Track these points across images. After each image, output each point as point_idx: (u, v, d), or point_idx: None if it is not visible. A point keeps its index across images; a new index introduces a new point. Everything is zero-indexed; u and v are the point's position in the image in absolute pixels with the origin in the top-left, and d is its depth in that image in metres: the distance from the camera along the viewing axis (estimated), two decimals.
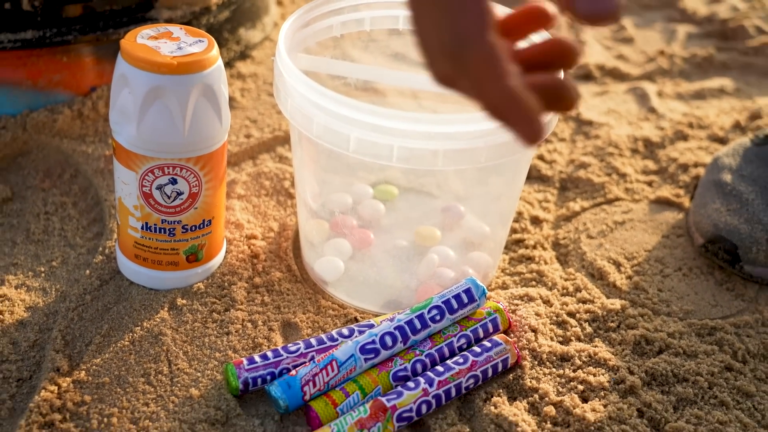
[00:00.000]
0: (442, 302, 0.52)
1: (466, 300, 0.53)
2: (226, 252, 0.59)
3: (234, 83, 0.76)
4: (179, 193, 0.53)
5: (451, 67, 0.36)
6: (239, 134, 0.70)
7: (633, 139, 0.74)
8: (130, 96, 0.51)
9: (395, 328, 0.51)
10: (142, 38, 0.52)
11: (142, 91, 0.50)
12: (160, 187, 0.53)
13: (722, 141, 0.74)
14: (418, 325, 0.51)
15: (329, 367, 0.49)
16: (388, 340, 0.50)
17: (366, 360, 0.50)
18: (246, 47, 0.78)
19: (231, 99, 0.74)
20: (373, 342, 0.50)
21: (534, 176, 0.70)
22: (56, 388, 0.49)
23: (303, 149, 0.56)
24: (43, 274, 0.57)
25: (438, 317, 0.52)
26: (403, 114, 0.48)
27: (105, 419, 0.48)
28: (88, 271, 0.57)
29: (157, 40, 0.52)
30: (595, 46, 0.89)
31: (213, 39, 0.52)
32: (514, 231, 0.64)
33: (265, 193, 0.65)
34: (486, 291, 0.54)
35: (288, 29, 0.55)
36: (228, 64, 0.77)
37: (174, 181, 0.53)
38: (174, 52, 0.51)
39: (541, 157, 0.71)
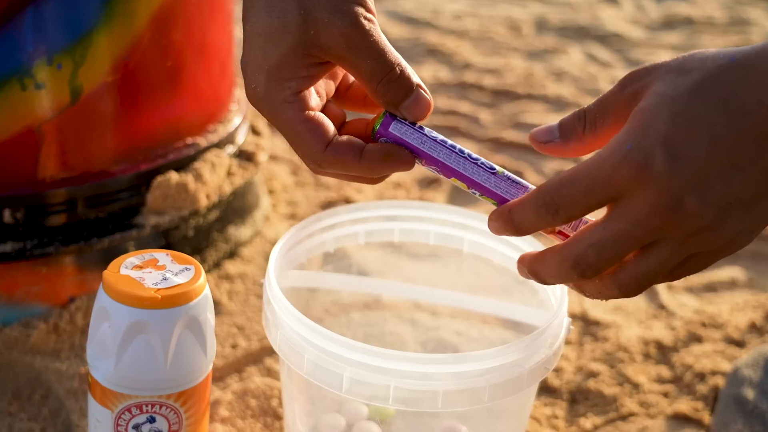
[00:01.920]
0: None
1: None
2: None
3: (221, 285, 0.76)
4: None
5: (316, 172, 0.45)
6: (225, 344, 0.69)
7: (644, 341, 0.73)
8: (110, 330, 0.50)
9: None
10: (126, 268, 0.52)
11: (124, 325, 0.50)
12: (136, 426, 0.51)
13: (739, 344, 0.73)
14: None
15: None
16: None
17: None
18: (235, 245, 0.79)
19: (218, 304, 0.73)
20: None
21: (541, 387, 0.68)
22: None
23: (293, 381, 0.55)
24: None
25: None
26: (399, 354, 0.48)
27: None
28: None
29: (141, 270, 0.52)
30: None
31: (200, 266, 0.52)
32: None
33: (251, 414, 0.63)
34: None
35: (279, 250, 0.55)
36: (216, 265, 0.77)
37: (152, 420, 0.51)
38: (159, 283, 0.51)
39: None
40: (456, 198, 0.92)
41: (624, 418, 0.66)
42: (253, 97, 0.44)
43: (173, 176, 0.70)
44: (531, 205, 0.40)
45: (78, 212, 0.67)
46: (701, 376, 0.69)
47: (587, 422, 0.65)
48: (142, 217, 0.70)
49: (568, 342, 0.73)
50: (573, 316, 0.76)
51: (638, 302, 0.80)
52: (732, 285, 0.83)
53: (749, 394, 0.62)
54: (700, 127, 0.38)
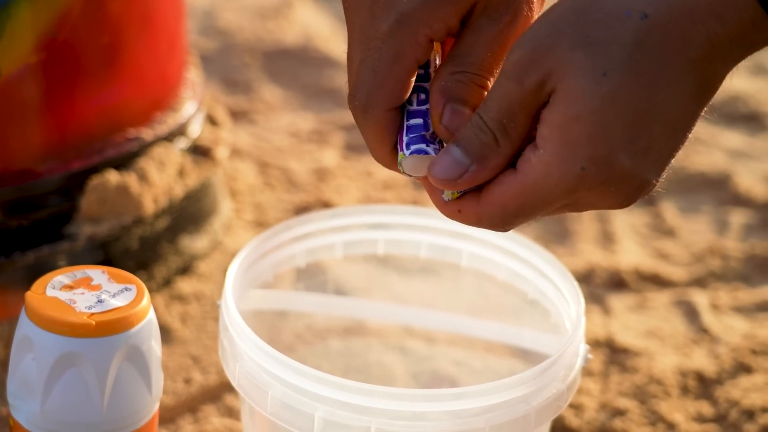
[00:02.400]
0: None
1: None
2: None
3: (173, 307, 0.76)
4: None
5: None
6: (176, 378, 0.70)
7: (681, 372, 0.74)
8: (35, 363, 0.51)
9: None
10: (54, 289, 0.53)
11: (51, 357, 0.51)
12: None
13: None
14: None
15: None
16: None
17: None
18: (190, 259, 0.80)
19: (169, 330, 0.74)
20: None
21: (556, 427, 0.70)
22: None
23: (255, 423, 0.56)
24: None
25: None
26: (382, 389, 0.49)
27: None
28: None
29: (72, 291, 0.53)
30: (627, 243, 0.91)
31: (142, 285, 0.53)
32: None
33: None
34: None
35: (238, 266, 0.56)
36: (166, 282, 0.78)
37: None
38: (93, 307, 0.51)
39: None
40: None
41: None
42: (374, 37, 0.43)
43: (112, 177, 0.71)
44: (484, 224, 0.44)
45: None
46: (750, 414, 0.71)
47: None
48: (75, 227, 0.71)
49: (590, 373, 0.75)
50: (597, 343, 0.78)
51: (676, 325, 0.81)
52: None
53: None
54: (645, 114, 0.41)
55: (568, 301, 0.57)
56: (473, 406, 0.49)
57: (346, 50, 0.45)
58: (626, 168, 0.41)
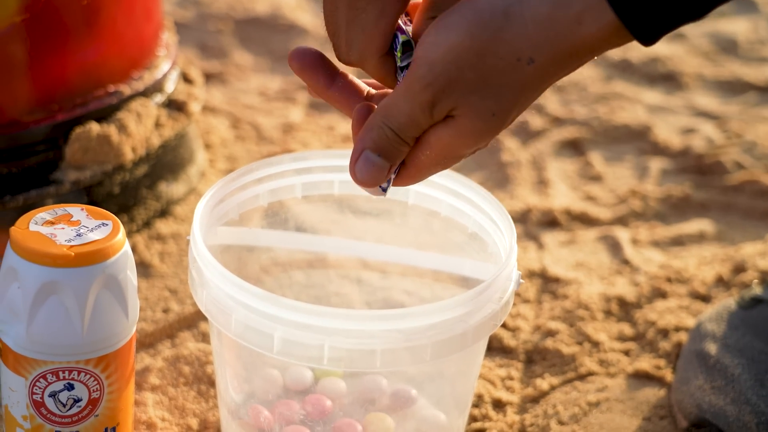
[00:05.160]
0: None
1: None
2: None
3: (152, 246, 0.75)
4: (76, 400, 0.51)
5: None
6: (156, 308, 0.69)
7: (606, 298, 0.74)
8: (20, 291, 0.49)
9: None
10: (36, 224, 0.51)
11: (34, 286, 0.49)
12: (53, 395, 0.51)
13: (705, 299, 0.75)
14: None
15: None
16: None
17: None
18: (167, 203, 0.78)
19: (148, 266, 0.73)
20: None
21: (495, 347, 0.69)
22: None
23: (223, 345, 0.55)
24: None
25: None
26: (333, 311, 0.48)
27: None
28: None
29: (53, 226, 0.51)
30: (559, 186, 0.90)
31: (118, 221, 0.52)
32: (473, 418, 0.63)
33: (184, 382, 0.63)
34: None
35: (205, 204, 0.55)
36: (146, 224, 0.76)
37: (70, 387, 0.51)
38: (72, 240, 0.50)
39: (503, 325, 0.71)
40: None
41: (582, 377, 0.67)
42: None
43: (94, 127, 0.69)
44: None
45: None
46: (664, 333, 0.70)
47: (544, 383, 0.66)
48: (61, 173, 0.69)
49: (526, 300, 0.74)
50: (531, 274, 0.77)
51: (601, 257, 0.80)
52: (700, 238, 0.84)
53: (711, 348, 0.64)
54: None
55: (503, 233, 0.56)
56: (417, 324, 0.48)
57: (322, 19, 0.47)
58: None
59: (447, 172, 0.59)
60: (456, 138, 0.45)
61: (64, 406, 0.51)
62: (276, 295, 0.48)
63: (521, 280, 0.54)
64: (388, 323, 0.48)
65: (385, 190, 0.48)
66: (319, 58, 0.48)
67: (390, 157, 0.46)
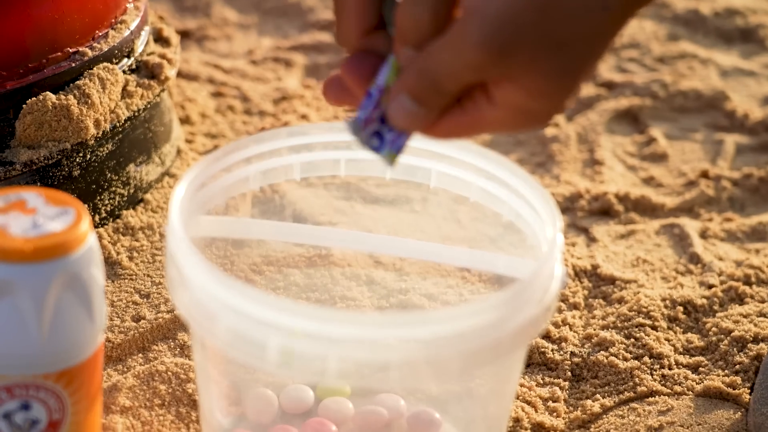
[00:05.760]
0: None
1: None
2: None
3: (120, 241, 0.77)
4: (34, 422, 0.53)
5: None
6: (125, 316, 0.71)
7: (670, 303, 0.75)
8: None
9: None
10: None
11: None
12: (7, 416, 0.53)
13: None
14: None
15: None
16: None
17: None
18: (137, 189, 0.80)
19: (116, 264, 0.74)
20: None
21: (537, 362, 0.71)
22: None
23: (208, 357, 0.56)
24: None
25: None
26: (342, 315, 0.49)
27: None
28: None
29: (6, 215, 0.52)
30: (615, 167, 0.92)
31: (82, 207, 0.53)
32: None
33: (159, 404, 0.65)
34: None
35: (185, 190, 0.56)
36: (112, 214, 0.78)
37: (26, 407, 0.52)
38: (28, 231, 0.51)
39: (545, 335, 0.72)
40: None
41: (642, 398, 0.68)
42: None
43: (50, 97, 0.71)
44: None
45: None
46: (741, 344, 0.72)
47: (595, 405, 0.68)
48: (11, 152, 0.70)
49: (574, 307, 0.76)
50: (580, 272, 0.78)
51: (664, 253, 0.82)
52: None
53: None
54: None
55: (545, 223, 0.57)
56: (441, 332, 0.50)
57: None
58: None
59: (478, 148, 0.61)
60: (525, 97, 0.47)
61: (21, 429, 0.53)
62: (273, 296, 0.49)
63: (567, 280, 0.55)
64: (405, 330, 0.49)
65: (397, 150, 0.51)
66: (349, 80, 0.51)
67: (428, 106, 0.48)
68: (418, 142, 0.61)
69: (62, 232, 0.52)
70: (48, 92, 0.71)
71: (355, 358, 0.49)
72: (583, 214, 0.86)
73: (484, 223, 0.62)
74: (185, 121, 0.90)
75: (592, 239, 0.83)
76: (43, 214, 0.53)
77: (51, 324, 0.51)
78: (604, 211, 0.87)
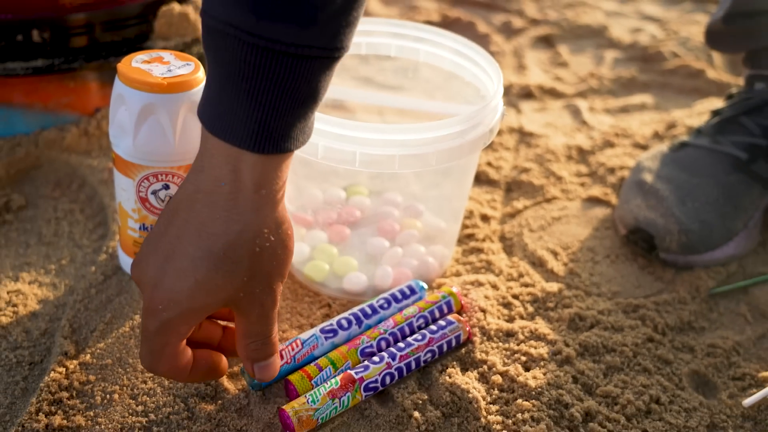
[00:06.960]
0: (390, 295, 0.54)
1: (408, 293, 0.54)
2: None
3: None
4: (171, 197, 0.53)
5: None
6: None
7: (568, 147, 0.75)
8: (127, 113, 0.50)
9: (351, 314, 0.52)
10: (137, 62, 0.51)
11: (137, 108, 0.50)
12: (154, 192, 0.52)
13: (644, 148, 0.75)
14: (369, 312, 0.52)
15: (293, 344, 0.49)
16: (344, 322, 0.52)
17: (326, 338, 0.50)
18: None
19: None
20: (332, 325, 0.51)
21: (483, 180, 0.70)
22: (64, 369, 0.49)
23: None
24: (53, 272, 0.56)
25: (385, 305, 0.53)
26: (364, 125, 0.48)
27: (107, 396, 0.47)
28: (93, 268, 0.56)
29: (149, 64, 0.51)
30: (534, 70, 0.90)
31: (199, 62, 0.52)
32: (465, 227, 0.64)
33: None
34: (425, 287, 0.55)
35: None
36: None
37: (167, 187, 0.52)
38: (164, 73, 0.50)
39: (489, 164, 0.72)
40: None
41: (548, 201, 0.68)
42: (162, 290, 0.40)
43: (176, 6, 0.69)
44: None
45: (96, 35, 0.66)
46: (612, 170, 0.71)
47: (519, 204, 0.67)
48: (152, 42, 0.68)
49: (506, 148, 0.75)
50: (511, 130, 0.77)
51: (565, 120, 0.81)
52: (642, 107, 0.84)
53: (647, 178, 0.65)
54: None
55: (493, 80, 0.56)
56: (426, 136, 0.49)
57: None
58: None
59: (451, 34, 0.59)
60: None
61: (162, 201, 0.53)
62: (320, 113, 0.48)
63: (504, 112, 0.54)
64: (404, 135, 0.49)
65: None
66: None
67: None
68: (410, 29, 0.60)
69: (187, 75, 0.51)
70: (174, 2, 0.69)
71: (371, 153, 0.49)
72: (515, 96, 0.84)
73: (453, 82, 0.61)
74: None
75: (519, 111, 0.82)
76: (173, 65, 0.52)
77: (180, 134, 0.51)
78: (527, 94, 0.85)
